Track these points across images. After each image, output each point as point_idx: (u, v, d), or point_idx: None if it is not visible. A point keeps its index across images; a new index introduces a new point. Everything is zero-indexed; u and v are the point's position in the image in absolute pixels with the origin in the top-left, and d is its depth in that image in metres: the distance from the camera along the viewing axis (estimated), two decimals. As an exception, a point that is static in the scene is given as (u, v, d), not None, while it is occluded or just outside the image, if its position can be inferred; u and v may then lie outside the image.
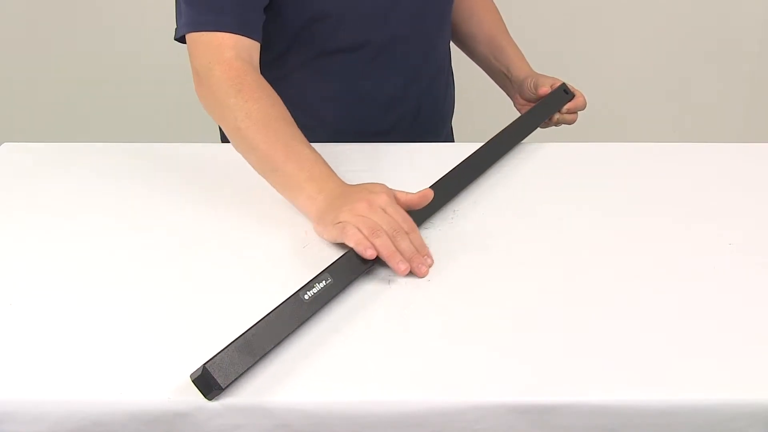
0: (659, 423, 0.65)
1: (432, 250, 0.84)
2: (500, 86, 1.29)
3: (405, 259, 0.80)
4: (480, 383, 0.66)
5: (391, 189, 0.86)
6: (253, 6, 0.99)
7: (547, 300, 0.77)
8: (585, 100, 1.17)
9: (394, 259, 0.79)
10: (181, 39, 1.02)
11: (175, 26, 1.04)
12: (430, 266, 0.82)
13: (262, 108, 0.92)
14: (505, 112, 1.25)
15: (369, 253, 0.78)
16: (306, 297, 0.72)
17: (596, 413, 0.65)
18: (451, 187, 0.94)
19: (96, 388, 0.66)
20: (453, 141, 1.34)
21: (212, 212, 0.93)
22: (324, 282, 0.74)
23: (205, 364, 0.64)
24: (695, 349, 0.70)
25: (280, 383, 0.66)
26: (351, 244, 0.79)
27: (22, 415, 0.65)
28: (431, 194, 0.87)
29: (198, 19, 0.97)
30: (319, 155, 0.91)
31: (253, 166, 0.94)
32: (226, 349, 0.66)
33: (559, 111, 1.15)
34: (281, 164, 0.89)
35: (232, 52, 0.94)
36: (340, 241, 0.82)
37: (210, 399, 0.64)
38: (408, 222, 0.83)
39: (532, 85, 1.17)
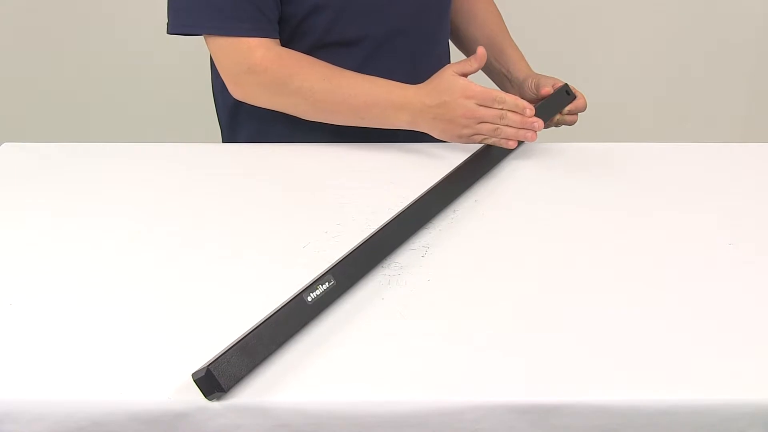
0: (659, 423, 0.65)
1: (432, 250, 0.85)
2: (500, 87, 1.28)
3: (514, 136, 1.01)
4: (480, 383, 0.66)
5: (453, 73, 1.00)
6: (268, 5, 1.03)
7: (547, 300, 0.77)
8: (586, 101, 1.17)
9: (508, 144, 1.02)
10: (174, 33, 1.06)
11: (169, 19, 1.05)
12: (537, 129, 1.01)
13: (317, 77, 1.04)
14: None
15: (510, 144, 1.02)
16: (309, 299, 0.72)
17: (596, 413, 0.65)
18: (451, 187, 0.94)
19: (96, 388, 0.66)
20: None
21: (212, 212, 0.93)
22: (327, 283, 0.74)
23: (208, 365, 0.64)
24: (695, 349, 0.70)
25: (280, 383, 0.66)
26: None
27: (22, 415, 0.65)
28: (484, 53, 1.02)
29: (216, 23, 1.03)
30: (380, 79, 1.05)
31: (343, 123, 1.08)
32: (228, 351, 0.65)
33: (560, 112, 1.15)
34: (365, 112, 1.04)
35: (261, 50, 1.03)
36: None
37: (210, 399, 0.64)
38: (498, 100, 1.00)
39: (533, 85, 1.17)
